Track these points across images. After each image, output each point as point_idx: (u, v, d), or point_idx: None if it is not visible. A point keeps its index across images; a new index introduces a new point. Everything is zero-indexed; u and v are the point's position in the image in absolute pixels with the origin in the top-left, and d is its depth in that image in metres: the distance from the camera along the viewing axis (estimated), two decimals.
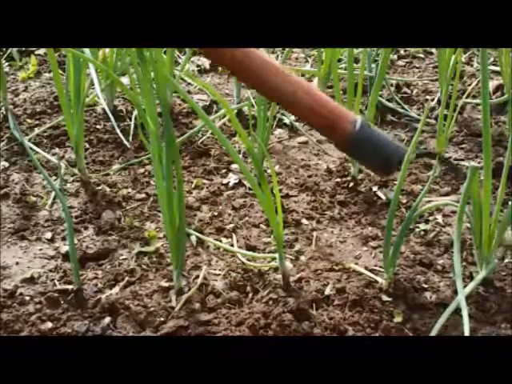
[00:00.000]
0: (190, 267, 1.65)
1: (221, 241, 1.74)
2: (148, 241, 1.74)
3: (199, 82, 2.34)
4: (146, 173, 2.03)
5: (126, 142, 2.15)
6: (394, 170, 1.36)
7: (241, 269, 1.65)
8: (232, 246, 1.72)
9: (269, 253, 1.70)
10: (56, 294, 1.55)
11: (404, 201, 1.90)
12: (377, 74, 1.89)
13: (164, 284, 1.60)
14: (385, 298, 1.56)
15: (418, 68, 2.77)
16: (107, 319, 1.49)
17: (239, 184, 1.99)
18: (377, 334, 1.46)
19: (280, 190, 1.91)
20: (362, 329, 1.47)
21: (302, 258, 1.69)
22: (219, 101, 1.44)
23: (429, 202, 1.87)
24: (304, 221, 1.83)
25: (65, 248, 1.69)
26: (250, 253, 1.69)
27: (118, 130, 2.16)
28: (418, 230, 1.79)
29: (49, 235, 1.76)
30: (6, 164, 2.05)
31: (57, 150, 2.14)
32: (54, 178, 1.98)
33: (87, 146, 2.13)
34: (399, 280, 1.59)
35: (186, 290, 1.58)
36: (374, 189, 1.96)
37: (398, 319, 1.50)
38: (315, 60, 2.65)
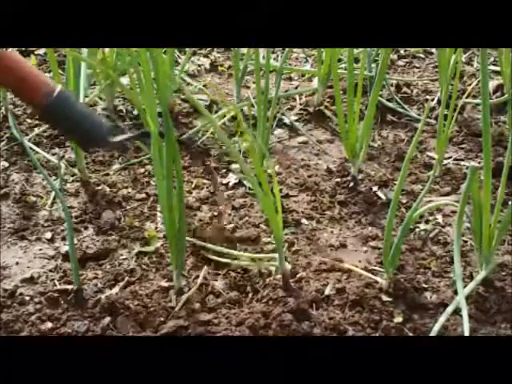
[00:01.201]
0: (189, 267, 1.65)
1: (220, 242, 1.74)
2: (148, 241, 1.74)
3: (201, 81, 2.34)
4: (146, 173, 2.03)
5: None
6: (96, 145, 1.57)
7: (241, 269, 1.65)
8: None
9: (269, 253, 1.70)
10: (56, 294, 1.55)
11: (404, 201, 1.90)
12: (377, 73, 1.89)
13: (164, 284, 1.60)
14: (385, 298, 1.55)
15: (417, 68, 2.77)
16: (107, 319, 1.49)
17: (239, 184, 1.99)
18: (377, 334, 1.46)
19: (280, 190, 1.91)
20: (361, 329, 1.47)
21: (302, 258, 1.69)
22: (221, 100, 1.44)
23: (429, 201, 1.87)
24: (304, 221, 1.83)
25: (65, 248, 1.69)
26: (250, 254, 1.69)
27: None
28: (418, 230, 1.79)
29: (49, 235, 1.76)
30: (6, 164, 2.05)
31: (57, 150, 2.14)
32: (53, 177, 1.98)
33: None
34: (399, 280, 1.59)
35: (186, 289, 1.58)
36: (374, 189, 1.96)
37: (398, 319, 1.50)
38: (315, 60, 2.65)
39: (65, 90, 1.45)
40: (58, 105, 1.43)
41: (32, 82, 1.42)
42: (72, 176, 2.00)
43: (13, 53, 1.41)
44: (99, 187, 1.95)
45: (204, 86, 2.50)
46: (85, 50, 1.97)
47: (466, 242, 1.73)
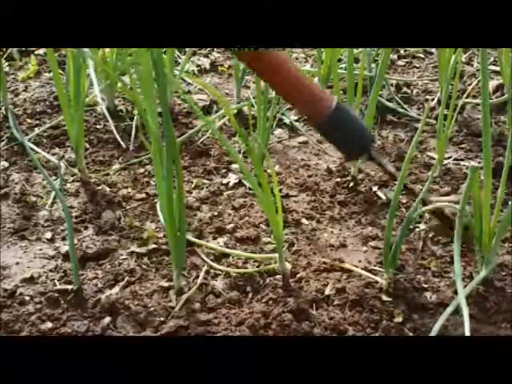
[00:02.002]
0: (190, 267, 1.65)
1: (220, 242, 1.74)
2: (148, 241, 1.74)
3: (199, 82, 2.34)
4: (146, 173, 2.03)
5: (124, 143, 2.15)
6: (362, 155, 1.60)
7: (241, 269, 1.65)
8: (230, 247, 1.72)
9: (269, 253, 1.70)
10: (56, 294, 1.55)
11: (404, 201, 1.90)
12: (377, 73, 1.89)
13: (164, 284, 1.60)
14: (385, 298, 1.55)
15: (417, 68, 2.77)
16: (107, 319, 1.49)
17: (239, 184, 1.99)
18: (377, 334, 1.46)
19: (280, 190, 1.91)
20: (361, 329, 1.47)
21: (302, 258, 1.69)
22: (219, 100, 1.44)
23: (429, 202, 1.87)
24: (304, 221, 1.83)
25: (65, 248, 1.69)
26: (250, 254, 1.70)
27: (115, 131, 2.16)
28: (418, 230, 1.79)
29: (49, 235, 1.76)
30: (6, 164, 2.05)
31: (57, 150, 2.14)
32: (53, 177, 1.98)
33: (87, 145, 2.14)
34: (399, 280, 1.59)
35: (186, 289, 1.58)
36: (374, 189, 1.96)
37: (398, 319, 1.50)
38: (315, 60, 2.65)
39: (339, 102, 1.52)
40: (337, 117, 1.50)
41: (313, 92, 1.50)
42: (72, 176, 2.01)
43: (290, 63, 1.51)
44: (99, 187, 1.95)
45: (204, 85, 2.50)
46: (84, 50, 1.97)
47: (466, 241, 1.73)
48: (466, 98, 2.31)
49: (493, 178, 1.54)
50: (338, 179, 2.00)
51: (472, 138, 2.23)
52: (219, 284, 1.60)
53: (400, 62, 2.79)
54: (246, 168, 1.52)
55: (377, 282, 1.60)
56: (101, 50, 2.20)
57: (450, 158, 2.12)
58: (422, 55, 2.86)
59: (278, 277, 1.61)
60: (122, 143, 2.12)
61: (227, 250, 1.70)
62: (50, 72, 2.59)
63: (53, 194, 1.90)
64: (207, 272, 1.64)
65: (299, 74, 1.50)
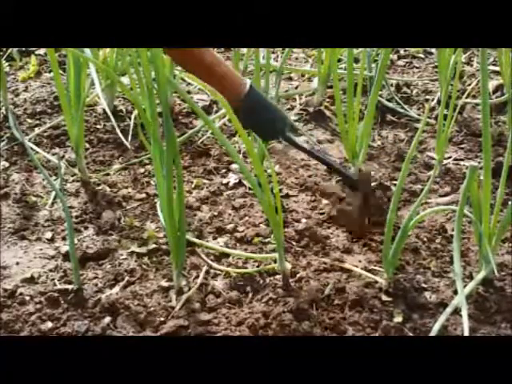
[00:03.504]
0: (190, 267, 1.65)
1: (220, 242, 1.74)
2: (148, 241, 1.74)
3: (199, 82, 2.34)
4: (146, 173, 2.03)
5: (126, 142, 2.15)
6: (278, 135, 1.70)
7: (241, 269, 1.65)
8: (230, 246, 1.72)
9: (269, 253, 1.70)
10: (56, 294, 1.55)
11: (404, 201, 1.90)
12: (377, 74, 1.89)
13: (164, 284, 1.60)
14: (385, 298, 1.55)
15: (417, 68, 2.77)
16: (107, 319, 1.49)
17: (239, 184, 1.99)
18: (377, 334, 1.46)
19: (280, 190, 1.91)
20: (361, 329, 1.47)
21: (302, 258, 1.69)
22: (219, 100, 1.44)
23: (428, 202, 1.87)
24: (304, 221, 1.83)
25: (65, 248, 1.69)
26: (250, 254, 1.70)
27: (118, 130, 2.16)
28: (417, 230, 1.79)
29: (49, 235, 1.76)
30: (6, 164, 2.05)
31: (57, 149, 2.14)
32: (54, 177, 1.98)
33: (87, 145, 2.14)
34: (399, 280, 1.59)
35: (186, 289, 1.58)
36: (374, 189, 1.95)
37: (398, 319, 1.50)
38: (315, 60, 2.65)
39: (252, 84, 1.60)
40: (251, 98, 1.58)
41: (231, 77, 1.57)
42: (72, 176, 2.01)
43: (211, 51, 1.57)
44: (99, 187, 1.95)
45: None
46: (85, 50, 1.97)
47: (466, 241, 1.73)
48: (466, 98, 2.31)
49: (493, 178, 1.54)
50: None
51: (472, 138, 2.23)
52: (219, 284, 1.60)
53: (400, 62, 2.79)
54: (246, 168, 1.52)
55: (377, 282, 1.60)
56: (101, 50, 2.20)
57: (449, 157, 2.12)
58: (422, 55, 2.86)
59: (277, 277, 1.61)
60: (125, 141, 2.12)
61: (227, 250, 1.70)
62: (50, 72, 2.59)
63: (53, 193, 1.90)
64: (207, 272, 1.64)
65: (215, 61, 1.56)
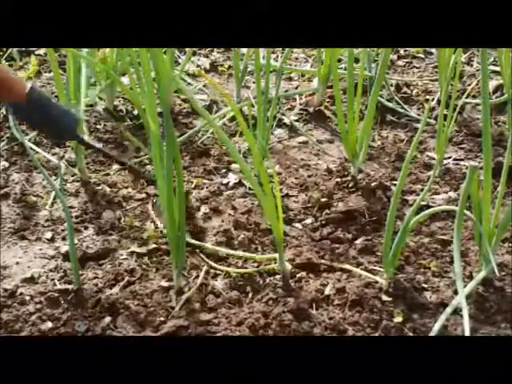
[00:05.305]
0: (190, 267, 1.65)
1: (221, 242, 1.74)
2: (148, 241, 1.74)
3: (207, 77, 2.32)
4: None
5: (126, 142, 2.15)
6: (69, 138, 1.72)
7: (241, 269, 1.65)
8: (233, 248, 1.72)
9: (269, 253, 1.70)
10: (56, 294, 1.55)
11: (404, 201, 1.90)
12: (377, 74, 1.89)
13: (164, 284, 1.60)
14: (385, 298, 1.55)
15: (417, 68, 2.77)
16: (107, 319, 1.49)
17: (239, 184, 1.99)
18: (377, 334, 1.46)
19: (280, 190, 1.91)
20: (361, 329, 1.47)
21: (302, 258, 1.69)
22: (225, 97, 1.44)
23: (428, 204, 1.87)
24: (304, 220, 1.83)
25: (65, 248, 1.69)
26: (250, 254, 1.70)
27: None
28: (417, 229, 1.79)
29: (49, 235, 1.76)
30: (6, 164, 2.05)
31: (57, 150, 2.14)
32: (54, 177, 1.98)
33: None
34: (399, 280, 1.59)
35: (186, 289, 1.58)
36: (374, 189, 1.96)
37: (398, 319, 1.50)
38: (315, 60, 2.65)
39: (34, 85, 1.53)
40: (32, 100, 1.50)
41: (9, 80, 1.49)
42: (72, 176, 2.01)
43: None
44: (99, 187, 1.95)
45: (204, 85, 2.50)
46: (84, 50, 1.97)
47: (466, 241, 1.73)
48: (466, 98, 2.31)
49: (492, 178, 1.54)
50: (338, 179, 2.00)
51: (472, 138, 2.23)
52: (219, 284, 1.60)
53: (400, 62, 2.79)
54: (246, 168, 1.52)
55: (377, 282, 1.60)
56: (101, 50, 2.20)
57: (449, 157, 2.12)
58: (422, 55, 2.86)
59: (277, 277, 1.61)
60: (125, 142, 2.12)
61: (227, 252, 1.70)
62: (50, 72, 2.59)
63: (53, 193, 1.90)
64: (207, 272, 1.64)
65: None
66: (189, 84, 2.54)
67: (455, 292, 1.52)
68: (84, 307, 1.53)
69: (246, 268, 1.65)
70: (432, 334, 1.42)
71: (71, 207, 1.86)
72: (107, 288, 1.59)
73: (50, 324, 1.47)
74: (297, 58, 2.80)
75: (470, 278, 1.59)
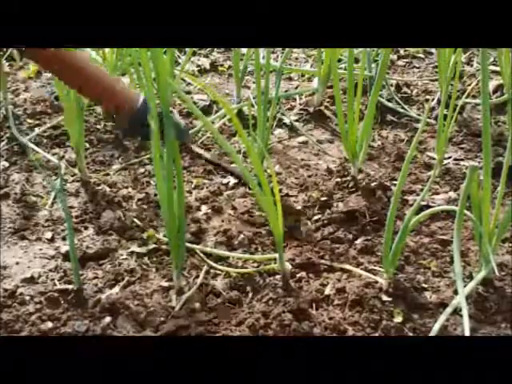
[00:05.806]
0: (190, 267, 1.65)
1: (221, 242, 1.74)
2: (148, 241, 1.74)
3: (199, 83, 2.34)
4: (146, 173, 2.03)
5: (125, 142, 2.15)
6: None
7: (241, 268, 1.65)
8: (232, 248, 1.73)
9: (268, 253, 1.70)
10: (56, 294, 1.55)
11: (404, 201, 1.90)
12: (377, 74, 1.89)
13: (164, 284, 1.60)
14: (385, 298, 1.55)
15: (417, 68, 2.77)
16: (107, 319, 1.49)
17: (239, 184, 1.99)
18: (377, 334, 1.46)
19: (280, 190, 1.91)
20: (361, 329, 1.47)
21: (302, 258, 1.69)
22: (219, 101, 1.44)
23: (428, 205, 1.87)
24: (303, 220, 1.83)
25: (65, 248, 1.69)
26: (250, 255, 1.70)
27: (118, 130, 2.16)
28: (417, 229, 1.79)
29: (49, 235, 1.76)
30: (6, 164, 2.05)
31: (57, 149, 2.14)
32: (54, 177, 1.98)
33: (87, 145, 2.14)
34: (399, 280, 1.59)
35: (186, 289, 1.58)
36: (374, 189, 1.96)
37: (398, 319, 1.50)
38: (315, 60, 2.65)
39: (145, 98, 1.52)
40: (146, 111, 1.48)
41: (119, 92, 1.51)
42: (72, 176, 2.01)
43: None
44: (99, 187, 1.95)
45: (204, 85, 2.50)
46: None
47: (466, 242, 1.73)
48: (466, 98, 2.31)
49: (492, 178, 1.54)
50: (338, 179, 2.00)
51: (472, 138, 2.23)
52: (219, 284, 1.60)
53: (400, 62, 2.79)
54: (245, 168, 1.52)
55: (377, 282, 1.60)
56: (101, 50, 2.20)
57: (449, 157, 2.12)
58: (422, 55, 2.86)
59: (277, 277, 1.61)
60: (125, 142, 2.12)
61: (227, 253, 1.69)
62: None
63: (53, 194, 1.90)
64: (207, 272, 1.64)
65: (99, 72, 1.52)
66: (189, 84, 2.54)
67: (455, 292, 1.52)
68: (84, 307, 1.53)
69: (245, 268, 1.65)
70: (432, 334, 1.42)
71: (71, 207, 1.86)
72: (107, 288, 1.59)
73: (50, 324, 1.47)
74: (297, 58, 2.80)
75: (470, 278, 1.59)
